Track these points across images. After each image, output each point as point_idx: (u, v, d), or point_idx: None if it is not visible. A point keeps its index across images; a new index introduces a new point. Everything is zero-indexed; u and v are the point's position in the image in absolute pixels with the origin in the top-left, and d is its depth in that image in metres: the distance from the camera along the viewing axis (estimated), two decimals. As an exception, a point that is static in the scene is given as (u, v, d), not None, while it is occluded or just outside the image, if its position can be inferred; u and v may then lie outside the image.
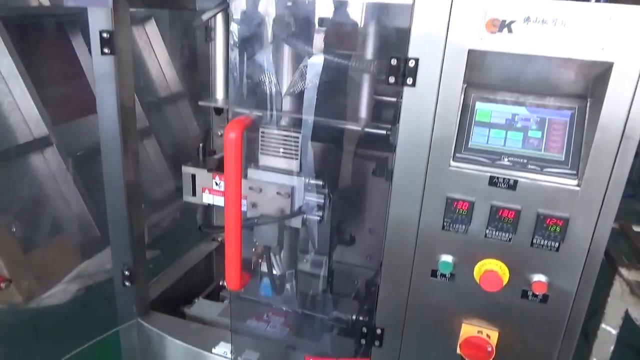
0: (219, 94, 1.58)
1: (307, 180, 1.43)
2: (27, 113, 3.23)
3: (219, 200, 1.53)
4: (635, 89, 0.97)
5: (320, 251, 1.62)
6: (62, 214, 3.27)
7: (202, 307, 1.79)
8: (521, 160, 1.07)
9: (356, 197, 1.83)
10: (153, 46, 4.35)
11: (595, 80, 1.03)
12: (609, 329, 1.64)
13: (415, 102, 1.09)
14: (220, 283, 1.98)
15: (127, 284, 1.54)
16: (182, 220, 3.71)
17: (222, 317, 1.72)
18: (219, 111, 1.91)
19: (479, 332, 1.20)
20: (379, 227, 1.86)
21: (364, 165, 1.77)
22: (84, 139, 3.65)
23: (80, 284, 3.03)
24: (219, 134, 1.95)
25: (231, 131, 1.12)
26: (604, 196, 1.02)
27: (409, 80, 1.07)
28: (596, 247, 1.06)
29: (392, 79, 1.08)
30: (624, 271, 1.58)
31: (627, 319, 1.65)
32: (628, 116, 0.98)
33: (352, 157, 1.74)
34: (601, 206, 1.03)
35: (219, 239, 2.13)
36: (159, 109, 4.20)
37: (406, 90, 1.09)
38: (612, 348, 1.67)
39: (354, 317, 1.73)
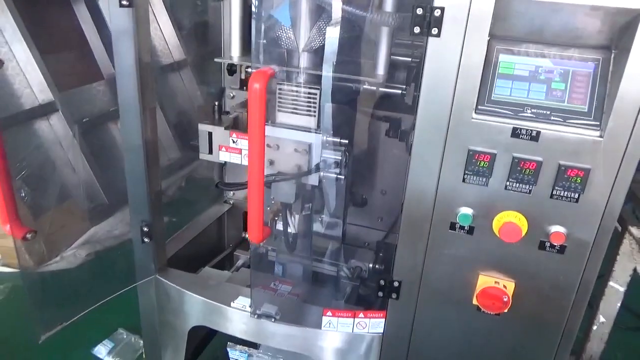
0: (234, 51, 1.58)
1: (324, 138, 1.44)
2: (32, 78, 3.21)
3: (235, 158, 1.53)
4: (661, 39, 0.97)
5: (336, 211, 1.64)
6: (69, 181, 3.27)
7: (208, 274, 1.81)
8: (544, 112, 1.08)
9: (369, 158, 1.84)
10: (155, 13, 4.29)
11: (620, 30, 1.03)
12: (617, 286, 1.67)
13: (440, 53, 1.09)
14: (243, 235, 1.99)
15: (145, 240, 1.56)
16: (187, 188, 3.72)
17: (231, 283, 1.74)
18: (231, 72, 1.90)
19: (495, 282, 1.22)
20: (391, 189, 1.90)
21: (378, 126, 1.78)
22: (89, 106, 3.64)
23: (89, 249, 3.06)
24: (231, 95, 1.94)
25: (255, 82, 1.12)
26: (626, 148, 1.04)
27: (434, 31, 1.07)
28: (615, 198, 1.08)
29: (417, 29, 1.08)
30: (634, 230, 1.61)
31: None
32: (652, 68, 0.98)
33: (366, 117, 1.75)
34: (622, 157, 1.04)
35: (231, 202, 2.15)
36: (161, 78, 4.16)
37: (431, 41, 1.08)
38: (618, 305, 1.71)
39: (367, 273, 1.77)
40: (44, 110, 3.24)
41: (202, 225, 2.02)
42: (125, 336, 2.39)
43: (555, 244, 1.15)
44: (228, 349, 1.63)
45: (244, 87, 1.89)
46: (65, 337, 2.37)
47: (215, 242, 2.13)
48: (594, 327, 1.76)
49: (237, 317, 1.51)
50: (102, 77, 3.89)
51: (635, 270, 1.64)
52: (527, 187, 1.12)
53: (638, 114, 1.01)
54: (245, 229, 2.07)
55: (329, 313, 1.40)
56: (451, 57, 1.09)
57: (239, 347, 1.62)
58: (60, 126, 3.32)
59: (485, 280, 1.23)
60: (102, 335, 2.38)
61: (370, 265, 1.80)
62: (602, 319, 1.74)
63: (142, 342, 2.38)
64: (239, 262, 1.87)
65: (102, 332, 2.40)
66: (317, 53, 1.41)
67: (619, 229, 1.69)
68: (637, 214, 1.71)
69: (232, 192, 2.16)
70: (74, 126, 3.34)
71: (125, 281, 1.72)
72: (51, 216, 2.99)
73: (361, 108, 1.71)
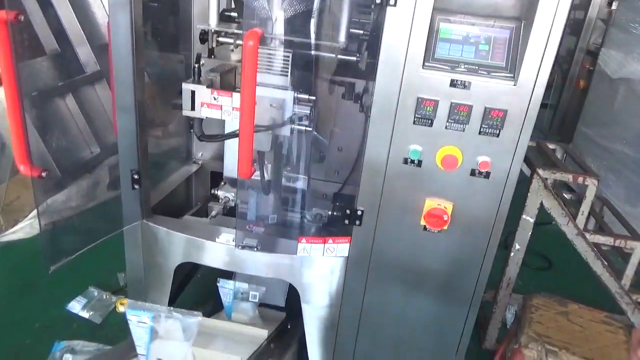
0: (212, 20, 1.78)
1: (296, 94, 1.70)
2: (-23, 50, 3.16)
3: (216, 114, 1.74)
4: (555, 14, 1.32)
5: (304, 160, 1.90)
6: (20, 154, 3.27)
7: (188, 220, 2.03)
8: (474, 67, 1.41)
9: (327, 118, 2.12)
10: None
11: (527, 6, 1.38)
12: (528, 218, 2.09)
13: (396, 20, 1.38)
14: (212, 191, 2.19)
15: (135, 187, 1.74)
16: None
17: (214, 221, 1.98)
18: (203, 41, 2.09)
19: (438, 205, 1.55)
20: (346, 146, 2.19)
21: (335, 89, 2.06)
22: (35, 81, 3.61)
23: (46, 219, 3.10)
24: (202, 62, 2.13)
25: (249, 40, 1.35)
26: (532, 93, 1.39)
27: (392, 1, 1.36)
28: (526, 131, 1.43)
29: (378, 0, 1.36)
30: (540, 171, 2.02)
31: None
32: (549, 35, 1.33)
33: (326, 82, 2.02)
34: (530, 100, 1.40)
35: (199, 162, 2.35)
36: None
37: (389, 10, 1.37)
38: (529, 234, 2.13)
39: (326, 219, 2.06)
40: (-9, 83, 3.21)
41: (173, 184, 2.20)
42: (96, 293, 2.53)
43: (482, 171, 1.49)
44: (218, 284, 1.86)
45: (212, 56, 2.09)
46: (39, 296, 2.49)
47: (184, 200, 2.33)
48: (511, 254, 2.18)
49: (221, 251, 1.74)
50: (44, 53, 3.86)
51: (541, 203, 2.05)
52: (462, 126, 1.45)
53: (539, 68, 1.37)
54: (212, 187, 2.28)
55: (304, 240, 1.68)
56: (404, 24, 1.38)
57: (230, 281, 1.87)
58: (8, 99, 3.29)
59: (430, 203, 1.56)
60: (74, 293, 2.51)
61: (329, 212, 2.09)
62: (517, 246, 2.16)
63: (113, 297, 2.53)
64: (214, 212, 2.08)
65: (74, 291, 2.53)
66: (290, 22, 1.66)
67: (529, 172, 2.10)
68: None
69: (200, 154, 2.36)
70: (24, 100, 3.32)
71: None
72: (6, 188, 3.01)
73: (322, 74, 1.98)
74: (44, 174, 1.43)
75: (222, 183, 2.17)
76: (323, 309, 1.80)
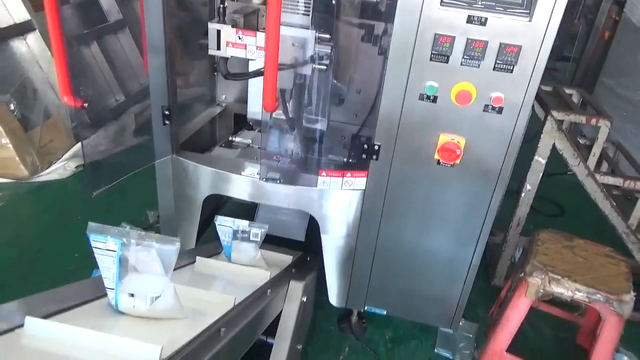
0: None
1: (317, 34, 1.76)
2: (6, -3, 3.26)
3: (240, 53, 1.82)
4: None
5: (323, 99, 1.98)
6: (51, 100, 3.42)
7: (219, 152, 2.15)
8: (491, 3, 1.45)
9: (347, 61, 2.18)
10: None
11: (546, -59, 1.40)
12: (540, 159, 2.16)
13: (415, -44, 1.43)
14: (230, 138, 2.31)
15: (166, 122, 1.86)
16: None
17: (239, 158, 2.09)
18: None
19: (451, 139, 1.63)
20: (364, 88, 2.25)
21: (355, 32, 2.11)
22: (65, 27, 3.70)
23: (77, 161, 3.27)
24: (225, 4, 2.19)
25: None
26: (546, 28, 1.44)
27: (412, -63, 1.40)
28: (539, 67, 1.48)
29: (398, -63, 1.40)
30: (554, 113, 2.07)
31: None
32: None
33: (346, 24, 2.07)
34: (544, 35, 1.44)
35: (223, 105, 2.45)
36: (132, 0, 4.24)
37: (409, -54, 1.42)
38: (540, 175, 2.20)
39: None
40: (21, 29, 3.32)
41: (198, 124, 2.30)
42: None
43: (495, 106, 1.56)
44: (216, 222, 1.75)
45: (234, -1, 2.14)
46: (76, 231, 2.66)
47: (208, 141, 2.44)
48: (522, 194, 2.26)
49: (246, 183, 1.86)
50: (68, 2, 3.92)
51: (554, 144, 2.11)
52: (477, 62, 1.51)
53: (554, 4, 1.41)
54: (234, 131, 2.39)
55: (324, 173, 1.78)
56: (424, -40, 1.43)
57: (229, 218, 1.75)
58: (37, 46, 3.41)
59: (444, 138, 1.64)
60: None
61: (348, 153, 2.18)
62: (528, 187, 2.23)
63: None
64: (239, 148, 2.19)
65: (108, 226, 2.70)
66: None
67: (543, 113, 2.15)
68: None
69: (224, 96, 2.45)
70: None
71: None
72: (40, 131, 3.16)
73: (342, 16, 2.03)
74: (85, 105, 1.54)
75: (239, 130, 2.28)
76: (341, 239, 1.93)
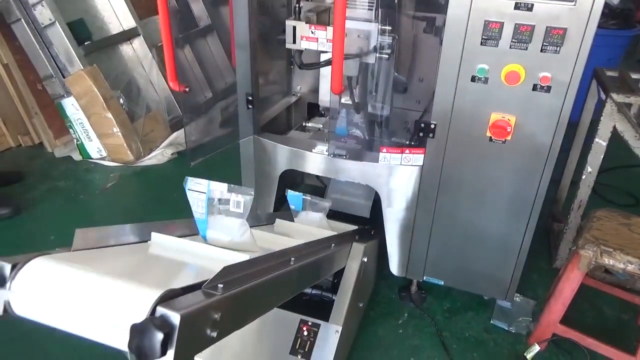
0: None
1: (380, 26, 1.98)
2: (117, 8, 3.79)
3: (313, 45, 2.08)
4: None
5: (385, 86, 2.20)
6: (151, 96, 3.91)
7: (294, 135, 2.43)
8: (537, -10, 1.59)
9: (410, 51, 2.37)
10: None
11: None
12: (601, 141, 2.22)
13: (466, -49, 1.60)
14: (303, 124, 2.59)
15: (249, 107, 2.16)
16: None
17: (311, 139, 2.36)
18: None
19: (502, 117, 1.78)
20: (427, 77, 2.43)
21: (417, 24, 2.30)
22: (158, 34, 4.21)
23: (173, 149, 3.73)
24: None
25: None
26: (590, 10, 1.55)
27: None
28: (584, 48, 1.60)
29: None
30: (614, 95, 2.13)
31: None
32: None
33: (408, 17, 2.27)
34: (588, 19, 1.56)
35: (298, 94, 2.73)
36: (219, 7, 4.68)
37: (460, -57, 1.59)
38: (602, 157, 2.25)
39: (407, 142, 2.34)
40: (128, 35, 3.84)
41: (276, 111, 2.60)
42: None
43: (544, 85, 1.69)
44: (287, 195, 2.09)
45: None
46: (170, 207, 3.07)
47: (285, 127, 2.73)
48: (583, 177, 2.32)
49: (317, 159, 2.12)
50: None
51: (614, 127, 2.17)
52: (525, 45, 1.65)
53: (599, -12, 1.52)
54: (308, 118, 2.67)
55: (384, 150, 1.99)
56: (474, -46, 1.60)
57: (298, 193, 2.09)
58: (141, 49, 3.91)
59: (495, 116, 1.79)
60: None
61: (409, 136, 2.37)
62: (589, 169, 2.30)
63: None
64: (312, 131, 2.47)
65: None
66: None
67: (604, 96, 2.22)
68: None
69: (298, 87, 2.74)
70: (153, 49, 3.93)
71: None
72: (143, 122, 3.64)
73: (405, 10, 2.22)
74: (187, 89, 1.88)
75: (312, 117, 2.55)
76: (401, 212, 2.12)
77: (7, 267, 0.83)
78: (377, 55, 2.04)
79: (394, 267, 2.27)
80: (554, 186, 2.81)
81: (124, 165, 3.52)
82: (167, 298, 0.77)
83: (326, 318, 1.79)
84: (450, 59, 1.77)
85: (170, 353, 0.72)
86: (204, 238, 1.30)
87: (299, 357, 1.66)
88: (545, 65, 1.66)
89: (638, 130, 2.12)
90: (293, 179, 2.82)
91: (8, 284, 0.82)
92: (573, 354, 2.06)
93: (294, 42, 2.12)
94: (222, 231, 1.28)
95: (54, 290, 0.81)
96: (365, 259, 1.95)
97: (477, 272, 2.15)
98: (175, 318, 0.73)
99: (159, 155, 3.63)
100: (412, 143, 2.28)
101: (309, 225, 2.02)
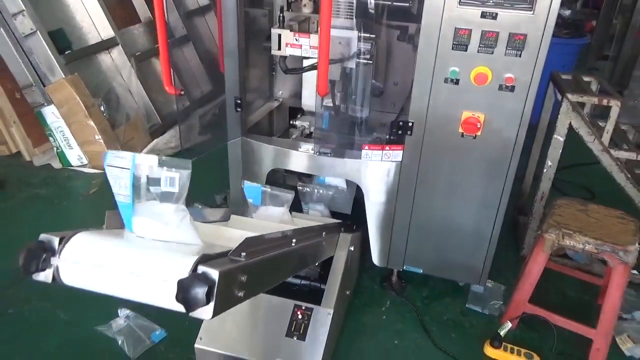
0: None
1: (359, 34, 2.15)
2: (95, 18, 3.85)
3: (297, 52, 2.23)
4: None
5: (364, 89, 2.37)
6: (131, 104, 3.97)
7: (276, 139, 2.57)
8: (500, 1, 1.79)
9: (385, 58, 2.55)
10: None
11: (544, -52, 1.74)
12: (559, 137, 2.45)
13: (437, -34, 1.79)
14: (291, 122, 2.72)
15: (238, 110, 2.29)
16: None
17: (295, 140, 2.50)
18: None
19: (472, 114, 1.97)
20: (401, 81, 2.62)
21: (391, 33, 2.48)
22: (136, 43, 4.28)
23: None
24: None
25: (325, -12, 1.81)
26: (546, 19, 1.76)
27: (434, -48, 1.77)
28: (542, 50, 1.81)
29: (423, -49, 1.78)
30: (569, 95, 2.37)
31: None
32: (563, -29, 1.69)
33: (383, 26, 2.45)
34: (545, 25, 1.77)
35: (280, 99, 2.88)
36: (194, 19, 4.78)
37: (432, -41, 1.79)
38: (560, 151, 2.48)
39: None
40: (107, 45, 3.90)
41: (259, 116, 2.73)
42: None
43: (508, 85, 1.89)
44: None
45: (289, 9, 2.56)
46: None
47: (267, 131, 2.86)
48: (545, 170, 2.55)
49: (303, 158, 2.26)
50: (139, 21, 4.51)
51: (570, 124, 2.40)
52: (491, 49, 1.85)
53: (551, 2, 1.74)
54: (290, 120, 2.81)
55: (367, 147, 2.16)
56: (444, -31, 1.79)
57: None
58: (119, 58, 3.98)
59: (466, 114, 1.98)
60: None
61: (387, 136, 2.54)
62: (549, 163, 2.53)
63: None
64: (294, 135, 2.61)
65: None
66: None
67: (560, 97, 2.45)
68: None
69: (280, 92, 2.88)
70: (131, 58, 4.00)
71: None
72: (124, 130, 3.70)
73: (380, 19, 2.41)
74: (182, 92, 2.00)
75: (299, 115, 2.69)
76: (382, 205, 2.29)
77: (56, 240, 0.93)
78: (357, 60, 2.21)
79: (376, 258, 2.43)
80: (518, 183, 3.05)
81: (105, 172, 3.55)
82: (204, 260, 0.90)
83: (317, 303, 1.92)
84: (425, 62, 1.96)
85: (211, 304, 0.85)
86: (129, 229, 1.07)
87: (295, 338, 1.78)
88: (509, 67, 1.87)
89: (591, 127, 2.36)
90: (275, 181, 2.95)
91: (57, 255, 0.92)
92: (541, 332, 2.26)
93: (279, 48, 2.27)
94: (153, 218, 1.03)
95: (101, 258, 0.92)
96: (352, 248, 2.10)
97: (452, 260, 2.33)
98: (214, 274, 0.86)
99: (140, 162, 3.69)
100: (392, 138, 2.46)
101: (269, 221, 1.89)
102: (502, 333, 2.14)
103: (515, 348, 2.14)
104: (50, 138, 3.57)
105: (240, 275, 0.95)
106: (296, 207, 2.25)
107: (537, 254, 2.13)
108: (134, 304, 2.23)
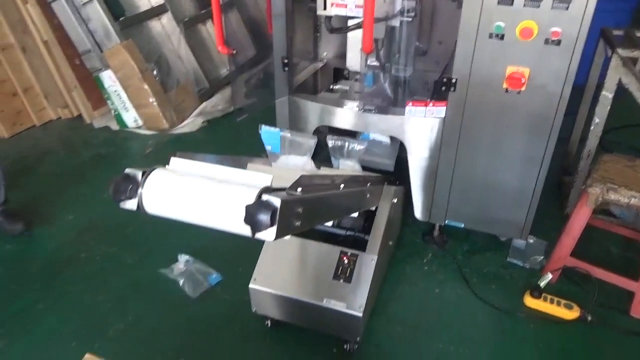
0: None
1: (404, -10, 2.18)
2: (145, -15, 3.99)
3: (342, 11, 2.28)
4: None
5: (408, 46, 2.40)
6: (180, 69, 4.13)
7: (324, 94, 2.66)
8: (548, -48, 1.78)
9: (430, 16, 2.57)
10: None
11: None
12: (607, 94, 2.42)
13: None
14: (330, 87, 2.81)
15: (285, 69, 2.39)
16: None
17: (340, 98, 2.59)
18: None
19: (517, 69, 1.99)
20: (445, 40, 2.63)
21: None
22: (184, 9, 4.41)
23: (203, 118, 3.97)
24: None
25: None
26: (597, -31, 1.75)
27: None
28: (591, 3, 1.79)
29: None
30: (620, 50, 2.32)
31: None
32: None
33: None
34: (595, -24, 1.76)
35: (324, 60, 2.95)
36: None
37: None
38: (608, 108, 2.45)
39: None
40: (157, 11, 4.05)
41: (304, 76, 2.81)
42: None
43: (554, 39, 1.89)
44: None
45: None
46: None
47: (312, 91, 2.95)
48: (591, 127, 2.53)
49: (348, 115, 2.35)
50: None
51: (620, 80, 2.36)
52: (537, 2, 1.85)
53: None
54: (334, 81, 2.88)
55: (410, 104, 2.21)
56: None
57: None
58: (169, 25, 4.13)
59: (511, 69, 2.00)
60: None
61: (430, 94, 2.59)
62: (597, 120, 2.50)
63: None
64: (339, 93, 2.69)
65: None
66: None
67: (610, 52, 2.41)
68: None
69: (324, 53, 2.95)
70: (180, 24, 4.14)
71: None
72: (175, 93, 3.88)
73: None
74: (234, 52, 2.11)
75: (342, 78, 2.76)
76: (425, 160, 2.35)
77: (139, 173, 1.08)
78: (401, 18, 2.24)
79: (418, 212, 2.51)
80: (565, 144, 3.03)
81: (159, 133, 3.77)
82: (267, 191, 1.02)
83: (362, 251, 2.04)
84: (469, 18, 1.98)
85: (274, 227, 0.97)
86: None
87: (341, 281, 1.92)
88: (555, 20, 1.86)
89: (641, 82, 2.31)
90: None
91: (141, 186, 1.07)
92: (582, 285, 2.30)
93: (325, 8, 2.32)
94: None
95: (178, 189, 1.06)
96: (395, 200, 2.19)
97: (494, 214, 2.39)
98: (277, 202, 0.98)
99: (191, 124, 3.88)
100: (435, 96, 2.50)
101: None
102: (542, 284, 2.20)
103: (555, 299, 2.20)
104: (108, 101, 3.79)
105: (297, 207, 1.07)
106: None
107: (581, 207, 2.16)
108: (193, 248, 2.46)
